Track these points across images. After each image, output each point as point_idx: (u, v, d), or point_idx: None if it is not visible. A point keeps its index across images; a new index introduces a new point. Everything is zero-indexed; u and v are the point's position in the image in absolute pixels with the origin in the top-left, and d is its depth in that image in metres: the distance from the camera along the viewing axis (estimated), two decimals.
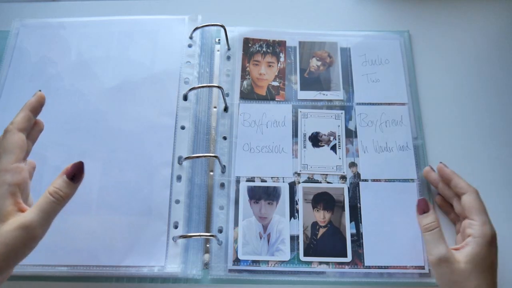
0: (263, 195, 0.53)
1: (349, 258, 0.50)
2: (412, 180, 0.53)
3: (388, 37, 0.62)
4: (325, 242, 0.51)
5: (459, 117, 0.58)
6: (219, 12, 0.64)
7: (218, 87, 0.55)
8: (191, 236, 0.49)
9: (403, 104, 0.57)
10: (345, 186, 0.53)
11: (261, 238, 0.51)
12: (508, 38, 0.62)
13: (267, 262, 0.50)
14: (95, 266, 0.48)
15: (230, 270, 0.49)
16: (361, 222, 0.51)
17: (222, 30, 0.59)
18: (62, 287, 0.50)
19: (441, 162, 0.51)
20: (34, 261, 0.48)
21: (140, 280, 0.49)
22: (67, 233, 0.49)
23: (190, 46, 0.58)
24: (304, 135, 0.56)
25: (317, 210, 0.52)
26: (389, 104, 0.57)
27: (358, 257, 0.50)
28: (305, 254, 0.50)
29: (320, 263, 0.49)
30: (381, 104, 0.57)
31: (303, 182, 0.53)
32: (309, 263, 0.49)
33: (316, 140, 0.56)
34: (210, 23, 0.59)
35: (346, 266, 0.49)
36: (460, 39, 0.63)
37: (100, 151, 0.53)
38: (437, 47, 0.62)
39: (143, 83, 0.56)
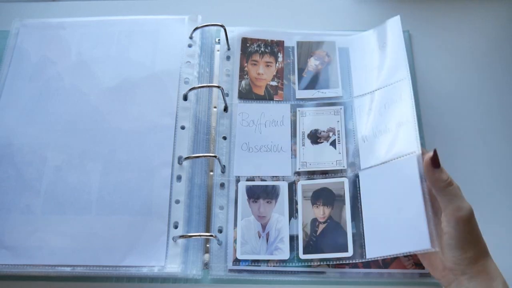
0: (261, 194, 0.53)
1: (350, 253, 0.48)
2: (412, 153, 0.46)
3: None
4: (325, 238, 0.50)
5: (459, 117, 0.58)
6: (219, 12, 0.65)
7: (218, 87, 0.55)
8: (191, 236, 0.49)
9: (402, 80, 0.52)
10: (345, 180, 0.52)
11: (259, 237, 0.51)
12: (508, 38, 0.62)
13: (267, 262, 0.50)
14: (95, 266, 0.48)
15: (230, 270, 0.49)
16: (362, 214, 0.49)
17: (222, 30, 0.59)
18: (62, 287, 0.50)
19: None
20: (34, 261, 0.48)
21: (140, 280, 0.50)
22: (67, 233, 0.49)
23: (190, 46, 0.58)
24: (303, 133, 0.56)
25: (317, 207, 0.52)
26: (387, 86, 0.53)
27: (360, 248, 0.48)
28: (305, 252, 0.49)
29: (321, 260, 0.49)
30: (379, 88, 0.54)
31: (302, 180, 0.53)
32: (309, 262, 0.49)
33: (315, 137, 0.55)
34: (210, 23, 0.58)
35: (346, 266, 0.49)
36: (460, 39, 0.62)
37: (100, 151, 0.53)
38: (437, 47, 0.62)
39: (143, 83, 0.56)
